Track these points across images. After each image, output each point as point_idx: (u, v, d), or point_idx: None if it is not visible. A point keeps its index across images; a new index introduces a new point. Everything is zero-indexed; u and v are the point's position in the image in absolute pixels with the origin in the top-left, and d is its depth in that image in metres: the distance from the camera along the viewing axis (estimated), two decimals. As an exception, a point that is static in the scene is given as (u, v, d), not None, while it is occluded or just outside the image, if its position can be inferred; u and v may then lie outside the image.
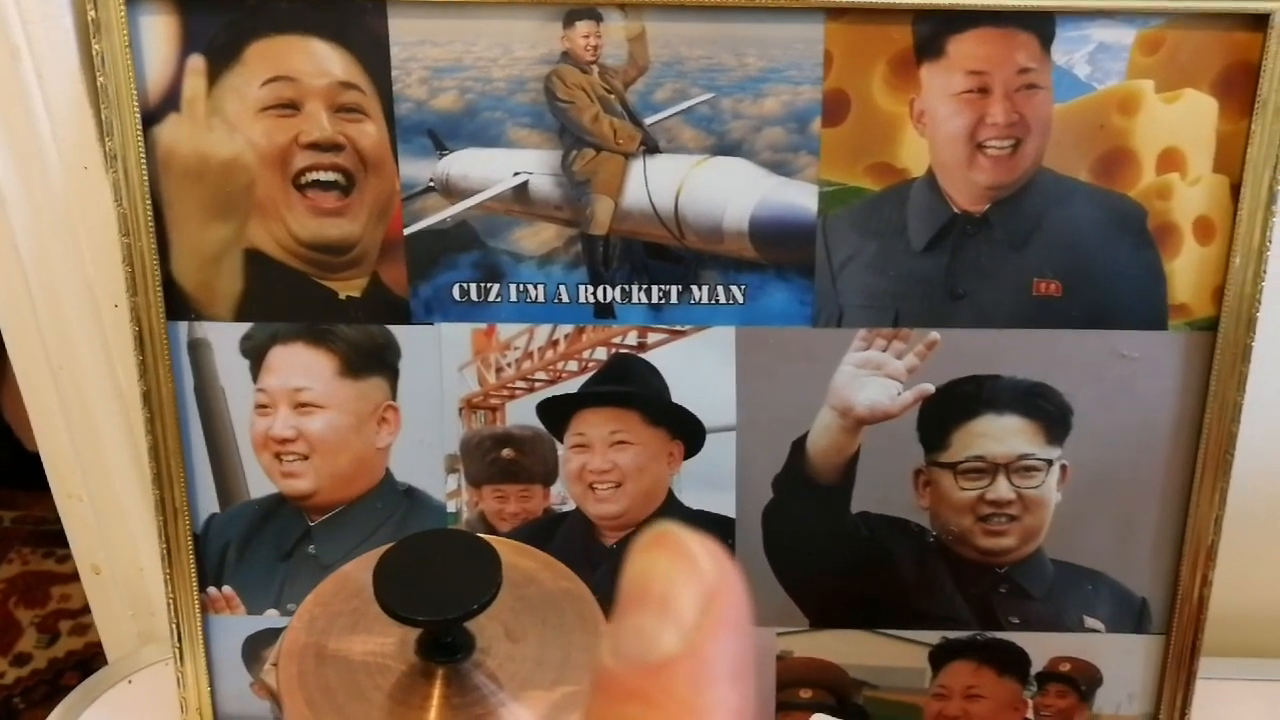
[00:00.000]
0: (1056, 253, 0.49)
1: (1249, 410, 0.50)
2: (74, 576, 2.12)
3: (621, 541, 0.53)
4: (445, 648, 0.36)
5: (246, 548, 0.54)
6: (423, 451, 0.52)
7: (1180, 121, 0.48)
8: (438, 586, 0.35)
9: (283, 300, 0.51)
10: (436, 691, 0.36)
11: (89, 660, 1.55)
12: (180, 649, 0.55)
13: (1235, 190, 0.48)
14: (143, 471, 0.59)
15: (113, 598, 0.64)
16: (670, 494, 0.53)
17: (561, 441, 0.52)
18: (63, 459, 0.60)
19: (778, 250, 0.49)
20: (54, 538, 2.00)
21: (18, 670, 1.76)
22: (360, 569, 0.39)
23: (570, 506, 0.53)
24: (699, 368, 0.51)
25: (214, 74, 0.48)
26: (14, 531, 2.01)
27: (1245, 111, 0.47)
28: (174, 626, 0.54)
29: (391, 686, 0.36)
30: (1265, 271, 0.48)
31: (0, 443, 1.77)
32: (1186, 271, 0.49)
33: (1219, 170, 0.48)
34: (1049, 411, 0.51)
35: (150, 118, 0.48)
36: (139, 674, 0.60)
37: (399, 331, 0.51)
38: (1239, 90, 0.47)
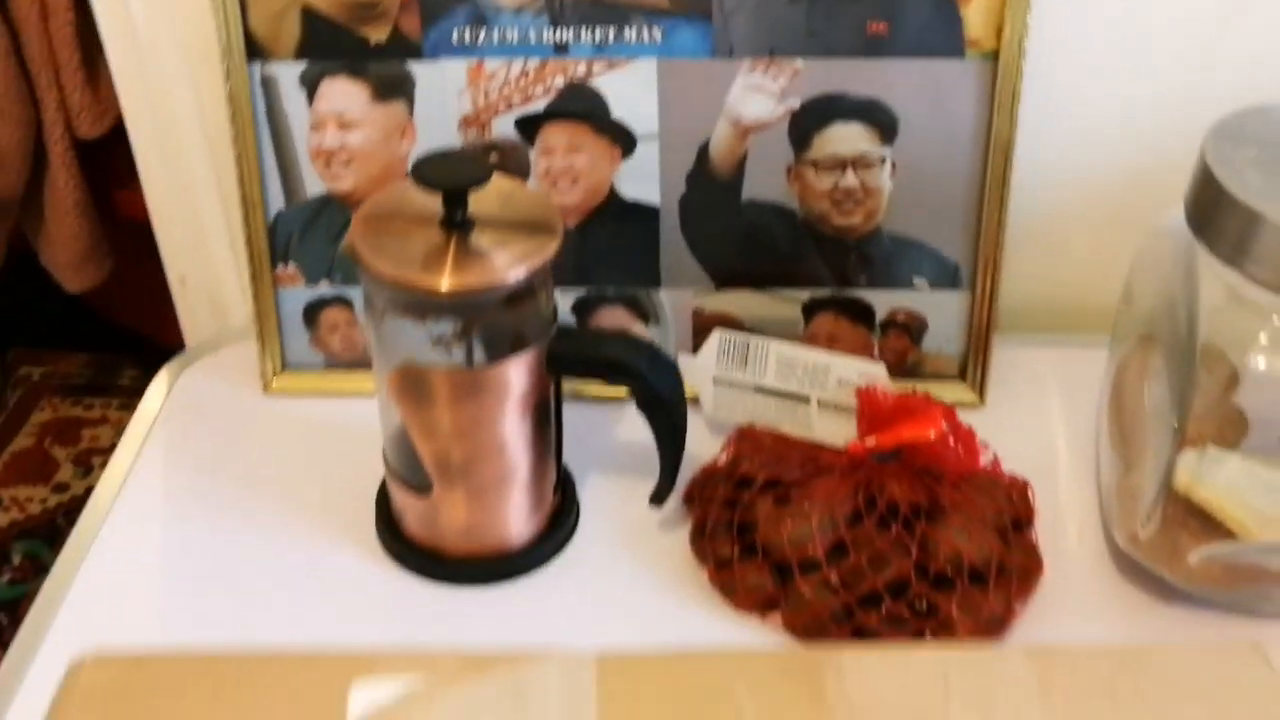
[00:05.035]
0: (884, 2, 0.68)
1: (1024, 114, 0.70)
2: (102, 420, 2.32)
3: (579, 224, 0.73)
4: (458, 224, 0.56)
5: (305, 234, 0.74)
6: (433, 159, 0.72)
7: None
8: (453, 171, 0.55)
9: (330, 45, 0.70)
10: (451, 252, 0.56)
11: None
12: (259, 310, 0.74)
13: (1010, -49, 0.67)
14: (222, 194, 0.78)
15: (196, 303, 0.84)
16: (612, 188, 0.72)
17: (533, 147, 0.72)
18: (157, 190, 0.79)
19: (685, 1, 0.68)
20: (81, 390, 2.20)
21: (59, 496, 1.96)
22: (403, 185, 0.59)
23: (540, 199, 0.72)
24: (631, 91, 0.70)
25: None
26: (43, 386, 2.20)
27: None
28: (255, 292, 0.74)
29: (423, 242, 0.56)
30: (1030, 11, 0.68)
31: (36, 296, 1.94)
32: (978, 13, 0.68)
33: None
34: (882, 120, 0.70)
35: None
36: (223, 349, 0.80)
37: (414, 66, 0.70)
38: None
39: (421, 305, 0.56)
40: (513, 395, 0.58)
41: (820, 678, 0.37)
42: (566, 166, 0.72)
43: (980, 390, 0.75)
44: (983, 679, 0.37)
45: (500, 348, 0.57)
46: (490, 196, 0.58)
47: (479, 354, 0.57)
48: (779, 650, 0.38)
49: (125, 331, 1.92)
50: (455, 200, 0.55)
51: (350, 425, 0.73)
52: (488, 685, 0.37)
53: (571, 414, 0.66)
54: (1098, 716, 0.36)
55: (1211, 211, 0.56)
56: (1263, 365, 0.55)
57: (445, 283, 0.54)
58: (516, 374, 0.58)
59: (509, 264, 0.55)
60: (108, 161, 1.57)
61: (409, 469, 0.61)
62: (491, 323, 0.57)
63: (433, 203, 0.56)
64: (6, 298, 2.04)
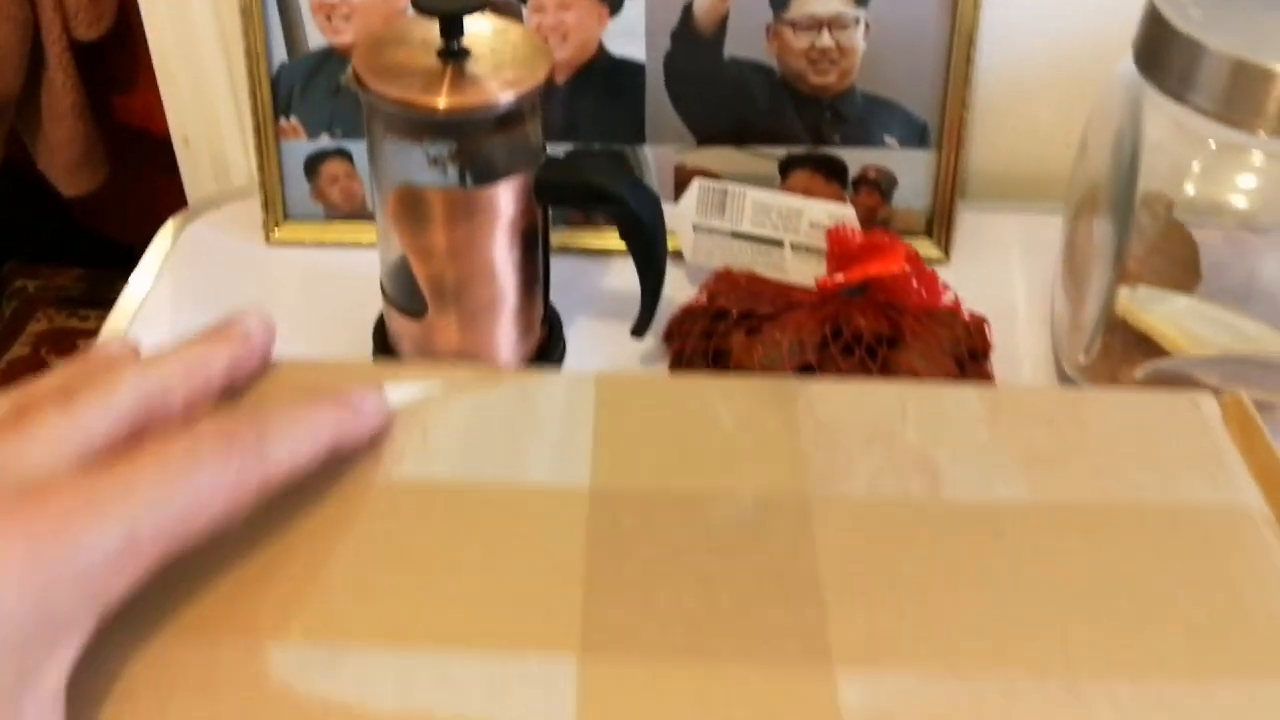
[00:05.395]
0: None
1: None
2: (97, 331, 2.36)
3: (568, 80, 0.77)
4: (455, 53, 0.60)
5: (307, 87, 0.77)
6: (428, 15, 0.75)
7: None
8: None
9: (331, -99, 0.73)
10: (448, 76, 0.60)
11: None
12: (262, 161, 0.78)
13: None
14: (226, 54, 0.82)
15: (199, 163, 0.88)
16: (600, 44, 0.76)
17: (525, 4, 0.75)
18: (164, 43, 0.83)
19: None
20: (76, 302, 2.23)
21: (56, 402, 1.99)
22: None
23: (531, 56, 0.76)
24: (618, -50, 0.74)
25: None
26: (39, 298, 2.23)
27: None
28: (258, 144, 0.78)
29: (422, 68, 0.60)
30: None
31: (31, 210, 1.96)
32: (947, -121, 0.72)
33: None
34: (856, -19, 0.75)
35: None
36: (225, 205, 0.84)
37: (411, -76, 0.74)
38: None
39: (419, 125, 0.60)
40: (503, 219, 0.62)
41: (792, 403, 0.41)
42: (557, 23, 0.75)
43: (945, 246, 0.79)
44: (937, 407, 0.41)
45: (492, 171, 0.61)
46: (485, 32, 0.61)
47: (472, 176, 0.61)
48: (756, 380, 0.42)
49: (118, 247, 1.96)
50: (452, 26, 0.58)
51: (348, 272, 0.77)
52: (497, 391, 0.42)
53: (561, 265, 0.71)
54: (1037, 437, 0.40)
55: (1157, 48, 0.60)
56: (1192, 191, 0.60)
57: (443, 101, 0.57)
58: (506, 198, 0.62)
59: (501, 87, 0.59)
60: (105, 66, 1.59)
61: (405, 295, 0.65)
62: (484, 145, 0.61)
63: (430, 35, 0.60)
64: (1, 210, 2.06)
